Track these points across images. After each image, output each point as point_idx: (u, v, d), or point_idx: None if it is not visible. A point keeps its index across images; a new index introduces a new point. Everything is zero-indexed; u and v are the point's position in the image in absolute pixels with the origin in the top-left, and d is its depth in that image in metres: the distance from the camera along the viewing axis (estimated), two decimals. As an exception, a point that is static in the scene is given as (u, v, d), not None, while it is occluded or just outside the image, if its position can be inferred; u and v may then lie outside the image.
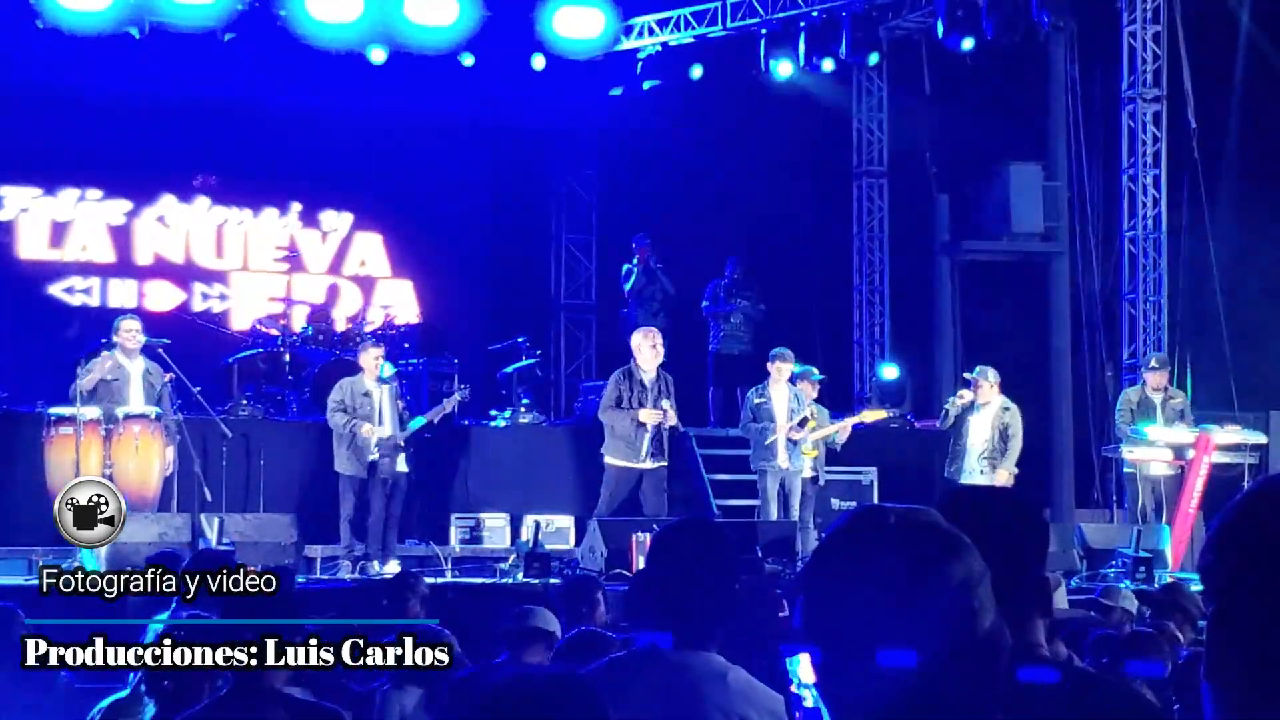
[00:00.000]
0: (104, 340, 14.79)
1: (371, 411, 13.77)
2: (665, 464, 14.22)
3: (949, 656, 2.03)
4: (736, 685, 3.67)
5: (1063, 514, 16.88)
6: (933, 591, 2.05)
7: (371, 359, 14.15)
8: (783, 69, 18.33)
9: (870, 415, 16.37)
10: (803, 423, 14.46)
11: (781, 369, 14.64)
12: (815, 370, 15.43)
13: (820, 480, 15.13)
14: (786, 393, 14.57)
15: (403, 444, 13.96)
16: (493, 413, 16.97)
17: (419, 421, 14.32)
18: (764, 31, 18.44)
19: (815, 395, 15.24)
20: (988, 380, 14.85)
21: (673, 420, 14.06)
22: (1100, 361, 17.63)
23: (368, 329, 17.10)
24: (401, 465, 13.98)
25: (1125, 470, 15.23)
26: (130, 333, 13.63)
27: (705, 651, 3.79)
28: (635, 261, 18.42)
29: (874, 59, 18.54)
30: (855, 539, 2.12)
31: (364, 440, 13.68)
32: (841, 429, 15.32)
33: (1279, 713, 1.70)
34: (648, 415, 13.88)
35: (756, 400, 14.64)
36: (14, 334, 18.06)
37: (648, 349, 14.22)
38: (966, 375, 15.39)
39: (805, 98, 19.16)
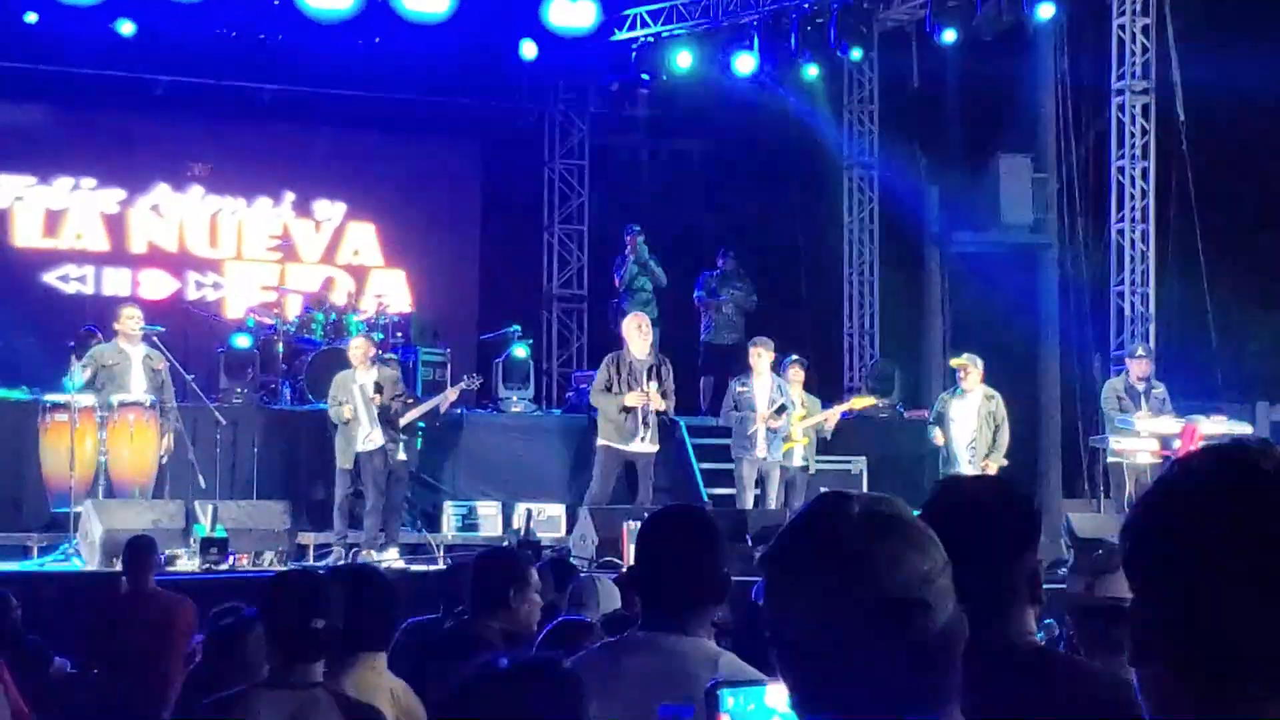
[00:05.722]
0: (91, 325, 14.91)
1: (352, 402, 13.83)
2: (656, 449, 14.23)
3: (908, 648, 2.03)
4: (728, 669, 3.70)
5: (1050, 503, 16.87)
6: (893, 582, 2.04)
7: (354, 350, 14.24)
8: (763, 65, 18.36)
9: (859, 402, 16.42)
10: (780, 410, 14.44)
11: (761, 355, 14.64)
12: (797, 358, 15.38)
13: (811, 469, 15.17)
14: (769, 382, 14.58)
15: (401, 434, 13.97)
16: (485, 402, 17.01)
17: (424, 407, 14.38)
18: (755, 23, 18.45)
19: (803, 380, 15.24)
20: (976, 367, 14.83)
21: (658, 405, 14.06)
22: (1088, 352, 17.64)
23: (360, 318, 17.09)
24: (400, 454, 13.98)
25: (1110, 460, 15.20)
26: (131, 319, 13.74)
27: (695, 637, 3.81)
28: (627, 250, 18.42)
29: (858, 54, 18.46)
30: (818, 527, 2.11)
31: (347, 429, 13.76)
32: (829, 417, 15.37)
33: (1201, 678, 1.70)
34: (632, 399, 13.93)
35: (739, 389, 14.66)
36: (8, 322, 18.01)
37: (634, 333, 14.34)
38: (953, 362, 15.34)
39: (796, 91, 19.16)
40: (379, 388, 13.82)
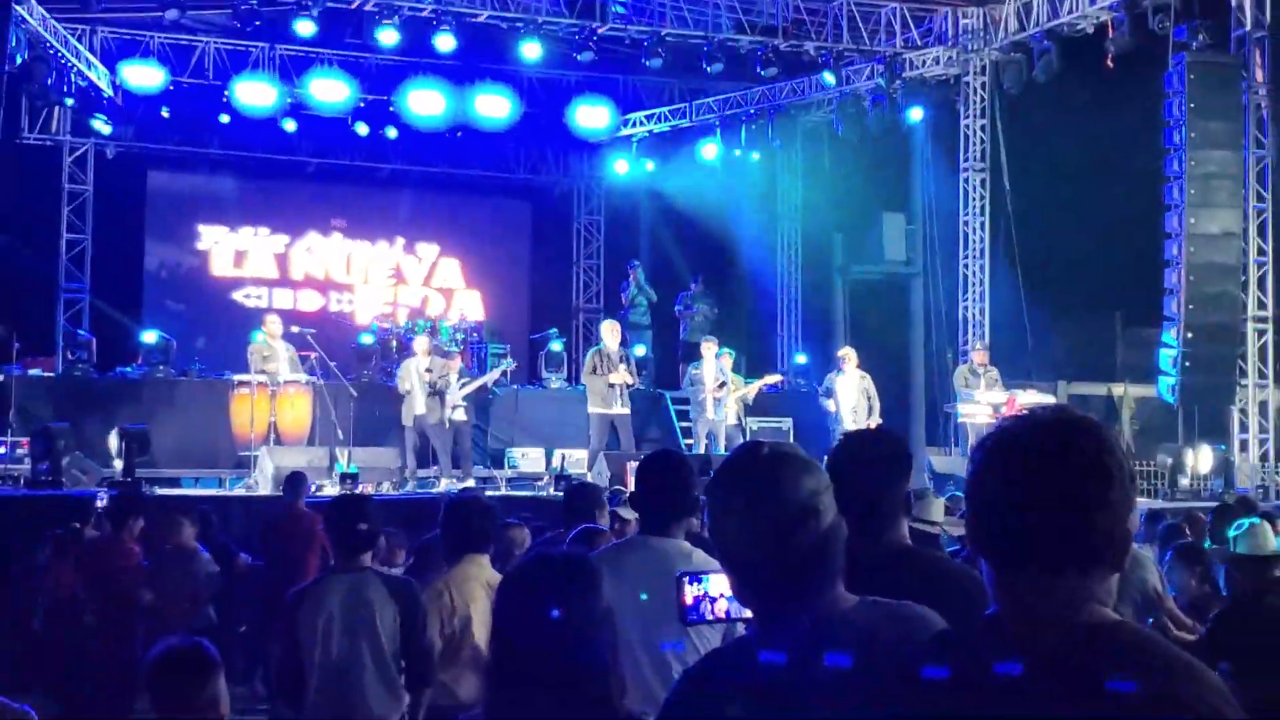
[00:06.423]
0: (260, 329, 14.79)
1: (410, 379, 13.63)
2: (629, 411, 14.07)
3: (803, 544, 2.03)
4: (699, 560, 3.67)
5: (916, 450, 16.76)
6: (791, 498, 2.05)
7: (418, 345, 14.01)
8: (722, 151, 18.29)
9: (770, 379, 16.16)
10: (720, 385, 14.37)
11: (709, 347, 14.57)
12: (729, 350, 15.28)
13: (743, 426, 14.99)
14: (714, 366, 14.48)
15: (459, 401, 13.81)
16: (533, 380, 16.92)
17: (476, 383, 14.24)
18: (717, 123, 18.40)
19: (730, 365, 15.08)
20: (853, 355, 14.76)
21: (630, 380, 13.95)
22: (943, 348, 17.59)
23: (447, 324, 17.04)
24: (460, 415, 13.83)
25: (959, 420, 15.14)
26: (273, 324, 13.69)
27: (675, 539, 3.79)
28: (630, 278, 18.38)
29: (782, 143, 18.39)
30: (740, 464, 2.13)
31: (409, 399, 13.56)
32: (750, 391, 15.18)
33: (1010, 565, 1.73)
34: (616, 377, 13.78)
35: (694, 370, 14.57)
36: (209, 327, 18.10)
37: (609, 334, 14.26)
38: (839, 352, 15.14)
39: (745, 168, 19.09)
40: (430, 370, 13.68)
